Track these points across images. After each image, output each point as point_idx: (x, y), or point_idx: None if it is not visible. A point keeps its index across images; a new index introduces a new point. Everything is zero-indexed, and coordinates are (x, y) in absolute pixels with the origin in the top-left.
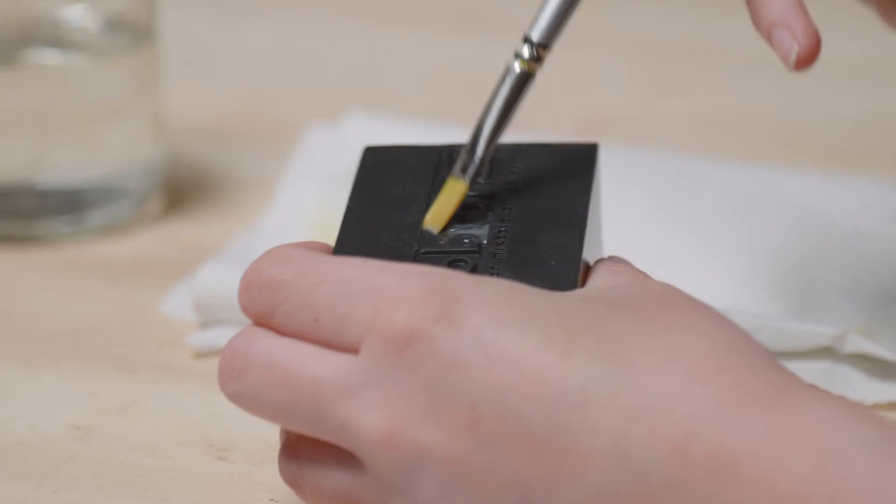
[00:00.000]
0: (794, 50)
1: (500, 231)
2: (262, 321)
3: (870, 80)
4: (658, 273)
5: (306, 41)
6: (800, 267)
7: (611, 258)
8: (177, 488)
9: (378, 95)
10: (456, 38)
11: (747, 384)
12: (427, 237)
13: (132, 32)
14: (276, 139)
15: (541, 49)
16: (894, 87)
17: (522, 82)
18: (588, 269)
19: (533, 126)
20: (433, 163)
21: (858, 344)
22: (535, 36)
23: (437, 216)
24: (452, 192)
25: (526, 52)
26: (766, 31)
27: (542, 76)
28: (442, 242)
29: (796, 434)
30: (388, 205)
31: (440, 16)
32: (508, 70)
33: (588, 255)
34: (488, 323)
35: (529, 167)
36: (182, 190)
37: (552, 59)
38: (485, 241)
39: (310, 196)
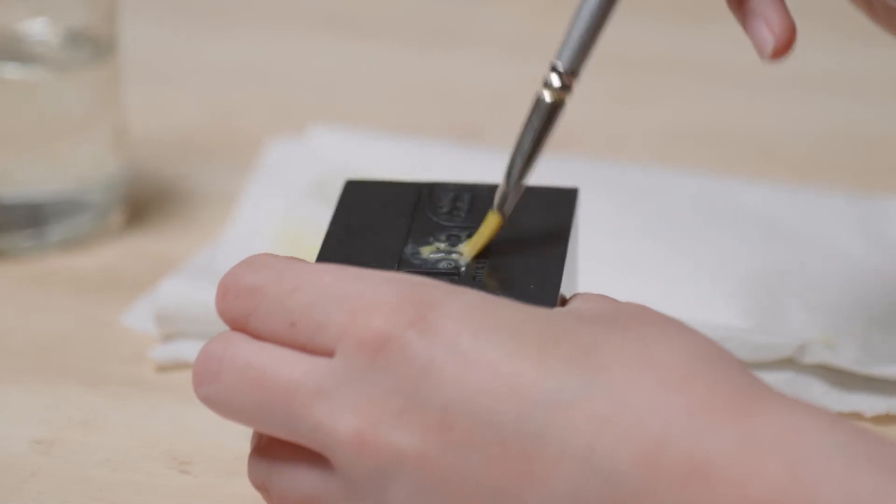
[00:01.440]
0: (770, 42)
1: (479, 259)
2: (239, 326)
3: (836, 92)
4: (623, 284)
5: (271, 54)
6: (763, 278)
7: (585, 293)
8: (141, 502)
9: (343, 108)
10: (421, 51)
11: (719, 392)
12: (406, 261)
13: (94, 46)
14: (240, 152)
15: (569, 77)
16: (860, 100)
17: (553, 112)
18: (564, 301)
19: (499, 139)
20: (413, 198)
21: (820, 355)
22: (563, 64)
23: (472, 246)
24: (489, 225)
25: (555, 81)
26: (743, 19)
27: (508, 88)
28: (420, 264)
29: (768, 440)
30: (367, 233)
31: (405, 29)
32: (538, 101)
33: (565, 291)
34: (463, 330)
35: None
36: (145, 203)
37: (518, 71)
38: (464, 268)
39: (272, 210)
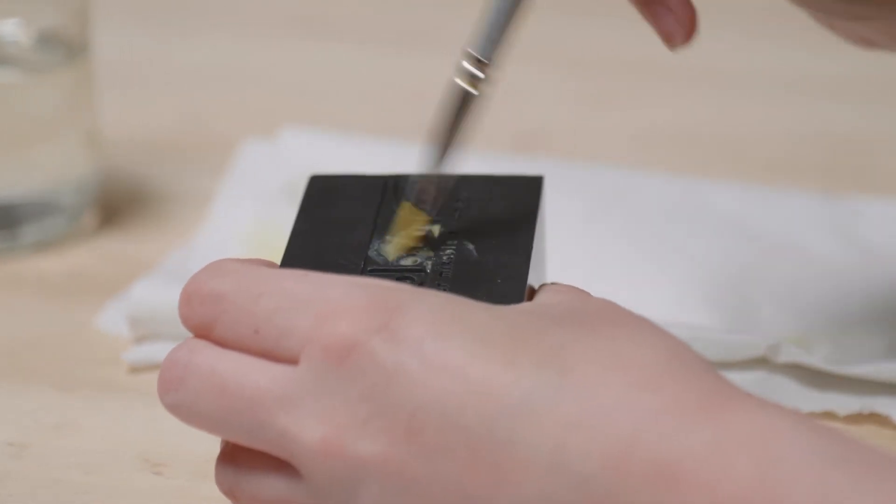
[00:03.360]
0: (680, 31)
1: (446, 253)
2: (203, 333)
3: (807, 93)
4: (594, 285)
5: (243, 56)
6: (734, 278)
7: (553, 283)
8: None
9: (316, 110)
10: (392, 54)
11: (689, 392)
12: (371, 259)
13: (66, 47)
14: (212, 154)
15: (482, 65)
16: (831, 101)
17: (465, 100)
18: (532, 292)
19: (471, 140)
20: (379, 190)
21: (792, 354)
22: (474, 50)
23: (397, 246)
24: (409, 221)
25: (465, 66)
26: (644, 8)
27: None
28: (389, 262)
29: (738, 441)
30: (334, 228)
31: (377, 31)
32: (451, 87)
33: (533, 280)
34: (429, 334)
35: (475, 197)
36: (117, 205)
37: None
38: (431, 263)
39: (245, 212)
